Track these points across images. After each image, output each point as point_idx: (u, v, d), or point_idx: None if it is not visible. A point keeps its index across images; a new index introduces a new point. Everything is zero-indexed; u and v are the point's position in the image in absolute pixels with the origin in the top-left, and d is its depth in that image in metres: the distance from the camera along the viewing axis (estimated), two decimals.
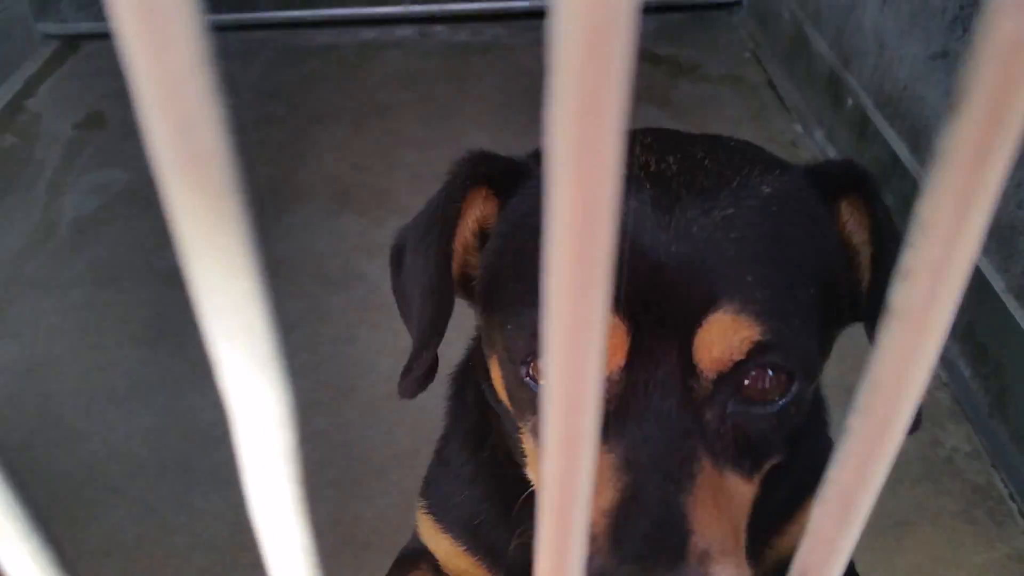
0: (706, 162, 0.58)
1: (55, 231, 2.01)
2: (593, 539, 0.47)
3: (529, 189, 0.63)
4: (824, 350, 0.60)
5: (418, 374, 0.71)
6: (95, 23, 2.74)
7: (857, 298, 0.62)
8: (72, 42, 2.76)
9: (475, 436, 0.83)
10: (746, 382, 0.54)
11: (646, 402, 0.52)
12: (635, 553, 0.47)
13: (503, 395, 0.66)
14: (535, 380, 0.58)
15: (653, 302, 0.52)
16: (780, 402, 0.55)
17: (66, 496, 1.44)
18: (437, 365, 0.73)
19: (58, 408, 1.59)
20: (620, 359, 0.53)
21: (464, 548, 0.83)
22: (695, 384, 0.53)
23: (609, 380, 0.53)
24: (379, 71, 2.53)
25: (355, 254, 1.90)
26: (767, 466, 0.58)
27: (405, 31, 2.70)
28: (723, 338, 0.52)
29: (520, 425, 0.65)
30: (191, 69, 0.14)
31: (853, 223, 0.61)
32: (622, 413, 0.53)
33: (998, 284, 1.42)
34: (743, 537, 0.54)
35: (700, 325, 0.52)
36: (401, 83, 2.46)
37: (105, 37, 2.74)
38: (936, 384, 1.53)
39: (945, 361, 1.57)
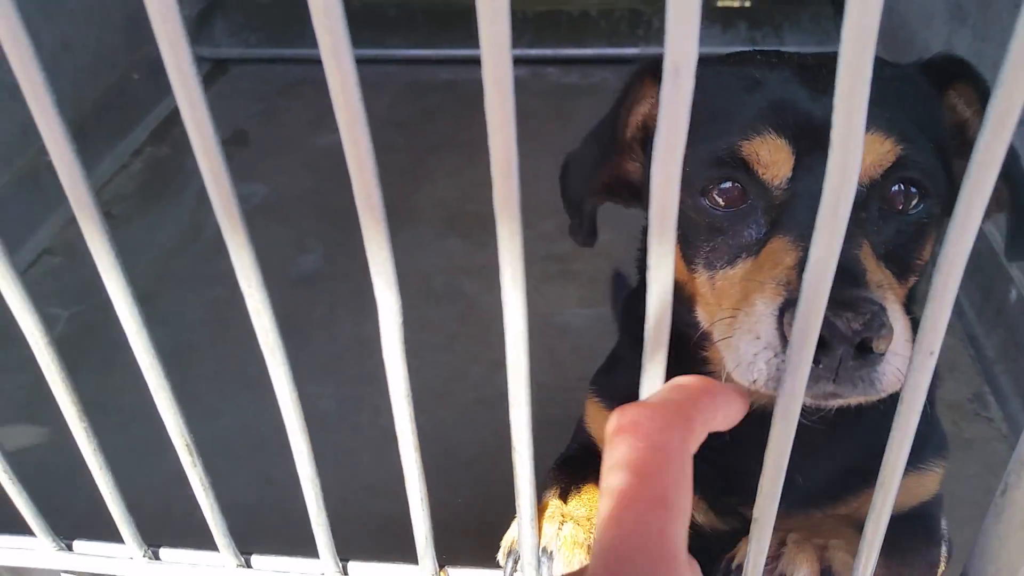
0: (836, 58, 0.75)
1: (201, 234, 2.30)
2: (787, 284, 0.60)
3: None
4: (949, 191, 0.71)
5: (584, 226, 0.85)
6: (244, 49, 3.06)
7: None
8: (222, 65, 3.09)
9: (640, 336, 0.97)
10: (892, 189, 0.68)
11: (811, 201, 0.62)
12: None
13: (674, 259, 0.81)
14: (712, 202, 0.69)
15: (811, 131, 0.66)
16: (915, 212, 0.68)
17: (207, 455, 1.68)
18: (596, 230, 0.88)
19: (196, 387, 1.83)
20: (787, 171, 0.67)
21: None
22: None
23: (778, 188, 0.67)
24: None
25: (458, 273, 2.11)
26: (909, 281, 0.70)
27: (519, 71, 2.91)
28: (873, 150, 0.65)
29: (690, 272, 0.73)
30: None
31: (962, 103, 0.75)
32: (790, 213, 0.65)
33: None
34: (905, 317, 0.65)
35: None
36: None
37: (251, 61, 3.07)
38: None
39: None
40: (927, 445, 0.83)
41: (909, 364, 0.39)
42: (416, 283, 2.08)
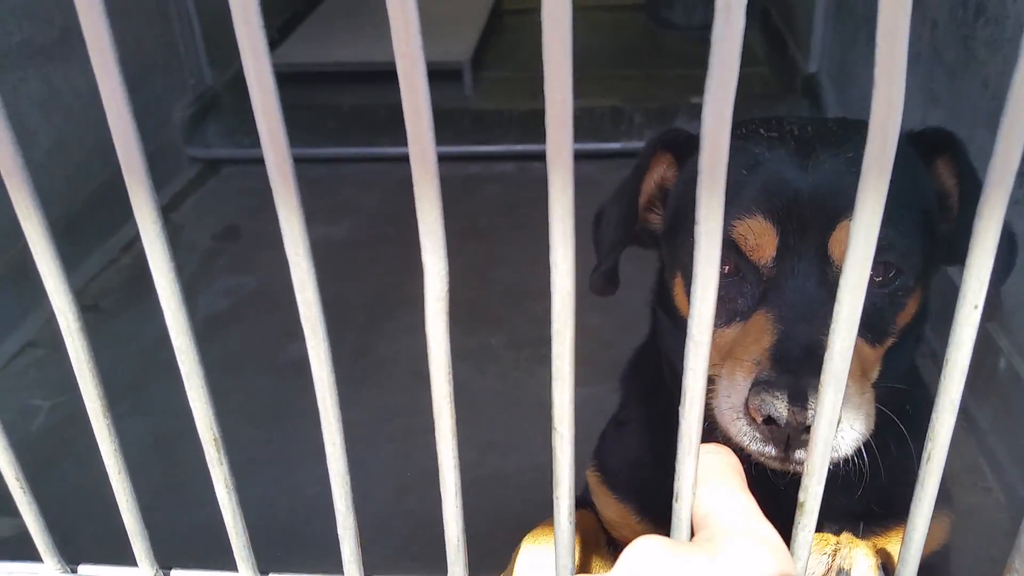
0: (831, 127, 0.81)
1: None
2: (758, 363, 0.68)
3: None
4: (926, 263, 0.77)
5: (604, 269, 0.91)
6: (235, 149, 3.13)
7: (950, 241, 0.80)
8: (214, 165, 3.15)
9: (650, 391, 0.99)
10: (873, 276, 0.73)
11: (792, 281, 0.72)
12: (790, 367, 0.66)
13: (686, 312, 0.84)
14: (722, 267, 0.76)
15: (796, 215, 0.73)
16: (891, 287, 0.74)
17: (183, 555, 1.62)
18: (618, 280, 0.93)
19: (182, 476, 1.79)
20: (771, 252, 0.74)
21: (618, 498, 0.97)
22: (829, 271, 0.73)
23: (764, 267, 0.74)
24: (480, 200, 2.81)
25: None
26: (886, 343, 0.76)
27: (506, 166, 2.99)
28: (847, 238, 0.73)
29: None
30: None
31: (946, 174, 0.81)
32: (774, 290, 0.73)
33: None
34: (868, 382, 0.73)
35: (834, 229, 0.72)
36: (499, 211, 2.73)
37: (242, 162, 3.13)
38: None
39: None
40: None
41: (934, 411, 0.41)
42: (408, 368, 2.07)
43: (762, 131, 0.80)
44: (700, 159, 0.35)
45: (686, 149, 0.87)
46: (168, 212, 2.87)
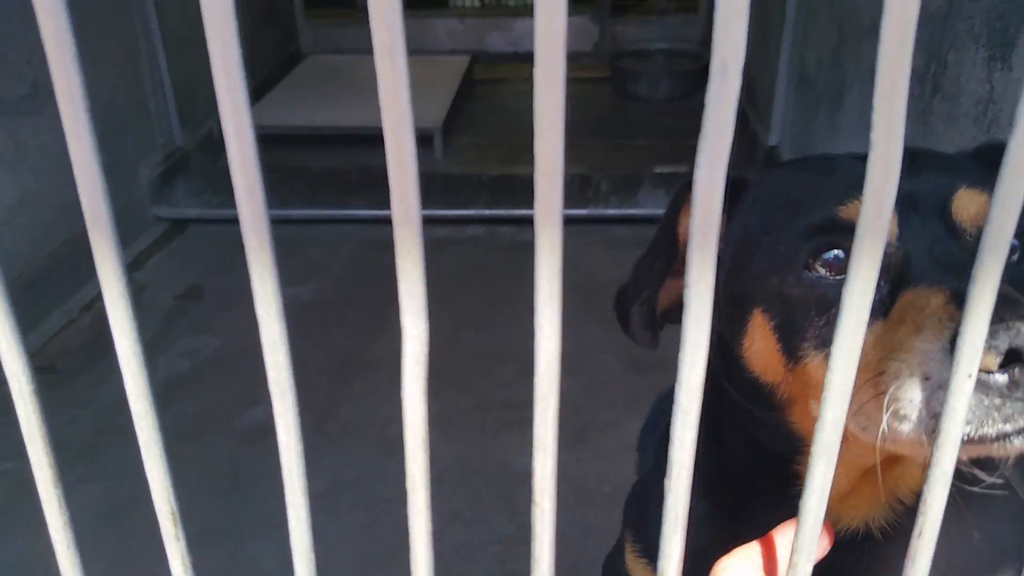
0: (925, 148, 0.75)
1: None
2: (949, 319, 0.53)
3: (759, 186, 0.75)
4: None
5: (647, 296, 0.79)
6: (203, 209, 3.10)
7: None
8: (180, 225, 3.12)
9: (712, 479, 0.83)
10: None
11: (929, 258, 0.61)
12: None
13: (768, 355, 0.69)
14: (822, 271, 0.65)
15: (902, 198, 0.61)
16: (1015, 257, 0.65)
17: None
18: (656, 322, 0.81)
19: (135, 547, 1.72)
20: (895, 230, 0.63)
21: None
22: (960, 245, 0.63)
23: (889, 249, 0.62)
24: (450, 263, 2.81)
25: None
26: None
27: (476, 230, 3.00)
28: (972, 202, 0.64)
29: (795, 362, 0.67)
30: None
31: None
32: (913, 267, 0.61)
33: None
34: None
35: (952, 197, 0.65)
36: (468, 274, 2.72)
37: (209, 222, 3.10)
38: None
39: None
40: None
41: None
42: (372, 433, 2.03)
43: (820, 158, 0.76)
44: (692, 219, 0.34)
45: (726, 193, 0.82)
46: (131, 271, 2.81)
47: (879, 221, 0.30)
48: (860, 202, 0.64)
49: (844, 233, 0.64)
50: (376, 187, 3.10)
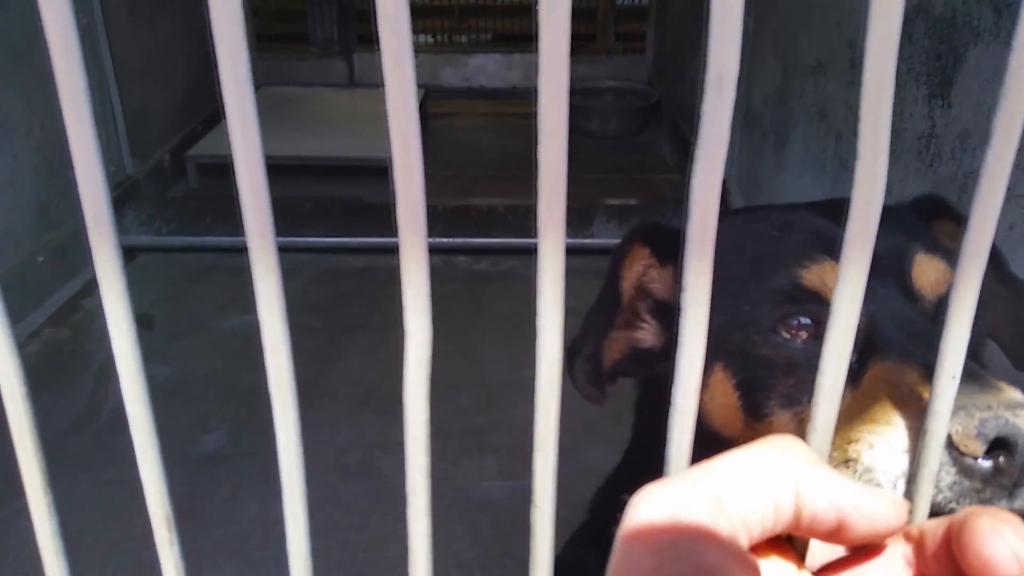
0: (830, 201, 0.77)
1: (99, 415, 2.18)
2: (919, 400, 0.53)
3: (720, 243, 0.77)
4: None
5: (589, 353, 0.78)
6: (153, 237, 3.06)
7: None
8: (130, 252, 3.06)
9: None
10: None
11: (895, 322, 0.61)
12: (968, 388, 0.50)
13: (728, 411, 0.70)
14: (788, 335, 0.65)
15: (875, 264, 0.62)
16: (974, 327, 0.65)
17: None
18: (603, 376, 0.80)
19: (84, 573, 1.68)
20: None
21: None
22: (920, 311, 0.65)
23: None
24: None
25: (373, 449, 2.06)
26: None
27: (432, 260, 2.96)
28: (932, 269, 0.66)
29: (756, 419, 0.67)
30: None
31: (945, 236, 0.77)
32: (881, 334, 0.61)
33: None
34: None
35: (912, 264, 0.66)
36: None
37: (159, 250, 3.06)
38: None
39: None
40: None
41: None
42: (329, 460, 2.02)
43: (771, 208, 0.77)
44: (688, 226, 0.36)
45: (667, 244, 0.77)
46: (81, 299, 2.77)
47: (866, 230, 0.33)
48: (822, 264, 0.66)
49: (811, 298, 0.65)
50: (329, 216, 3.10)
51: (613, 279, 0.78)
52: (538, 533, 0.44)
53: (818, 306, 0.65)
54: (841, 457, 0.56)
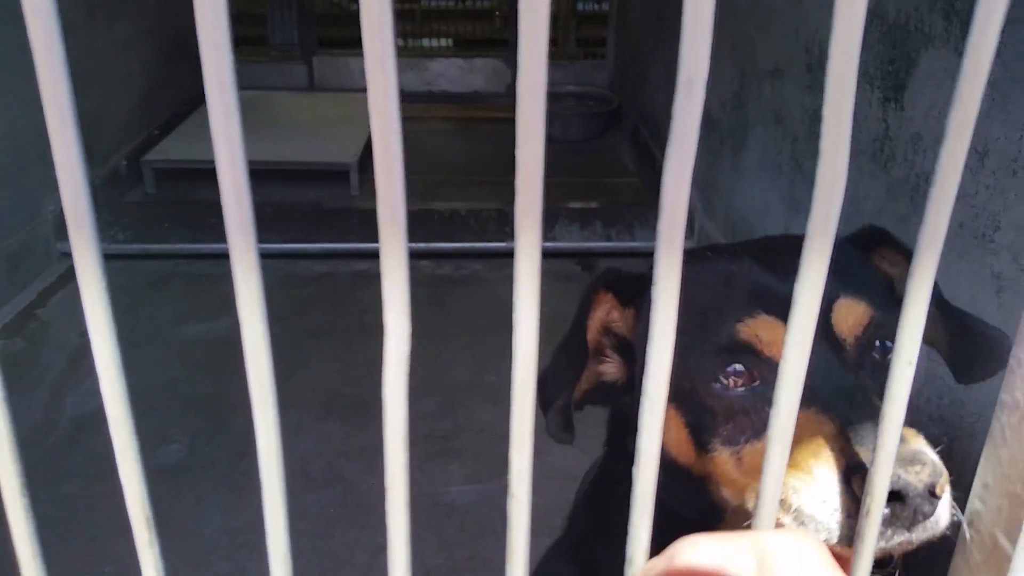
0: (778, 241, 0.84)
1: (56, 428, 2.14)
2: (841, 451, 0.64)
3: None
4: None
5: (561, 406, 0.84)
6: (109, 244, 3.01)
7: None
8: None
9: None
10: (876, 346, 0.74)
11: (819, 372, 0.67)
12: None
13: (680, 444, 0.79)
14: (726, 384, 0.74)
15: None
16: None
17: None
18: (573, 427, 0.85)
19: None
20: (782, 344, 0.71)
21: None
22: (843, 355, 0.72)
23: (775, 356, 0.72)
24: (369, 297, 2.80)
25: (337, 456, 2.05)
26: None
27: None
28: (851, 312, 0.73)
29: (703, 452, 0.76)
30: None
31: (886, 263, 0.84)
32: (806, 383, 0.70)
33: None
34: None
35: (832, 309, 0.73)
36: None
37: (115, 257, 3.02)
38: None
39: None
40: None
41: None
42: (292, 469, 1.97)
43: (718, 254, 0.82)
44: (659, 222, 0.37)
45: (628, 289, 0.86)
46: (35, 308, 2.71)
47: (827, 225, 0.34)
48: (761, 316, 0.73)
49: (746, 350, 0.74)
50: (289, 222, 3.07)
51: (579, 328, 0.85)
52: (514, 521, 0.45)
53: (752, 356, 0.74)
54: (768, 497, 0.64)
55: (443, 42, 5.39)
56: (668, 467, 0.78)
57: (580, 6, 5.22)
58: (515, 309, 0.40)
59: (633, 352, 0.86)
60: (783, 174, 2.33)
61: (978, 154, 1.36)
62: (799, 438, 0.63)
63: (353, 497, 1.93)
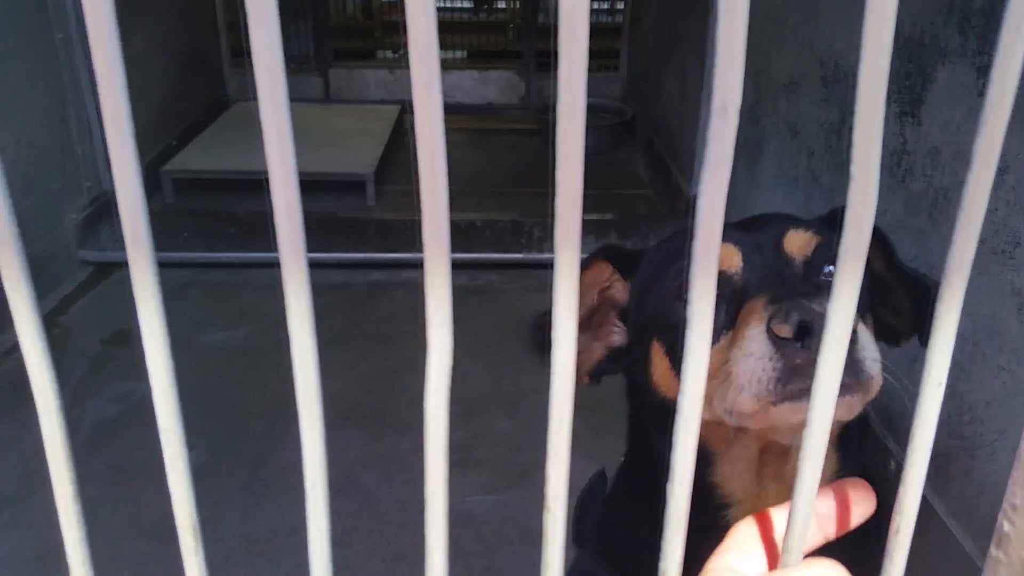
0: (771, 215, 0.90)
1: (76, 433, 2.16)
2: (764, 309, 0.71)
3: (651, 252, 0.94)
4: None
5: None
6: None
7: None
8: (106, 268, 3.05)
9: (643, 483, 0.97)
10: (823, 268, 0.82)
11: (762, 278, 0.80)
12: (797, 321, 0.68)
13: (665, 374, 0.85)
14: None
15: (749, 245, 0.82)
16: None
17: None
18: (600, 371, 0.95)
19: None
20: (738, 262, 0.81)
21: None
22: (793, 271, 0.82)
23: (735, 275, 0.81)
24: (385, 306, 2.82)
25: (354, 465, 2.06)
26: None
27: (411, 274, 3.02)
28: (798, 238, 0.83)
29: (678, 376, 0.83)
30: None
31: (871, 260, 0.88)
32: (751, 288, 0.79)
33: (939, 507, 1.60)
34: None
35: (784, 235, 0.83)
36: (404, 317, 2.74)
37: None
38: None
39: None
40: None
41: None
42: None
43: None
44: (695, 245, 0.38)
45: (627, 262, 0.94)
46: (56, 316, 2.75)
47: (859, 247, 0.35)
48: (721, 245, 0.79)
49: None
50: (306, 232, 3.09)
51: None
52: (550, 536, 0.46)
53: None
54: (722, 377, 0.72)
55: (458, 54, 5.43)
56: (661, 406, 0.88)
57: (593, 19, 5.25)
58: (555, 326, 0.41)
59: (630, 317, 0.95)
60: (800, 187, 2.34)
61: (998, 170, 1.37)
62: (741, 323, 0.74)
63: (370, 506, 1.94)
